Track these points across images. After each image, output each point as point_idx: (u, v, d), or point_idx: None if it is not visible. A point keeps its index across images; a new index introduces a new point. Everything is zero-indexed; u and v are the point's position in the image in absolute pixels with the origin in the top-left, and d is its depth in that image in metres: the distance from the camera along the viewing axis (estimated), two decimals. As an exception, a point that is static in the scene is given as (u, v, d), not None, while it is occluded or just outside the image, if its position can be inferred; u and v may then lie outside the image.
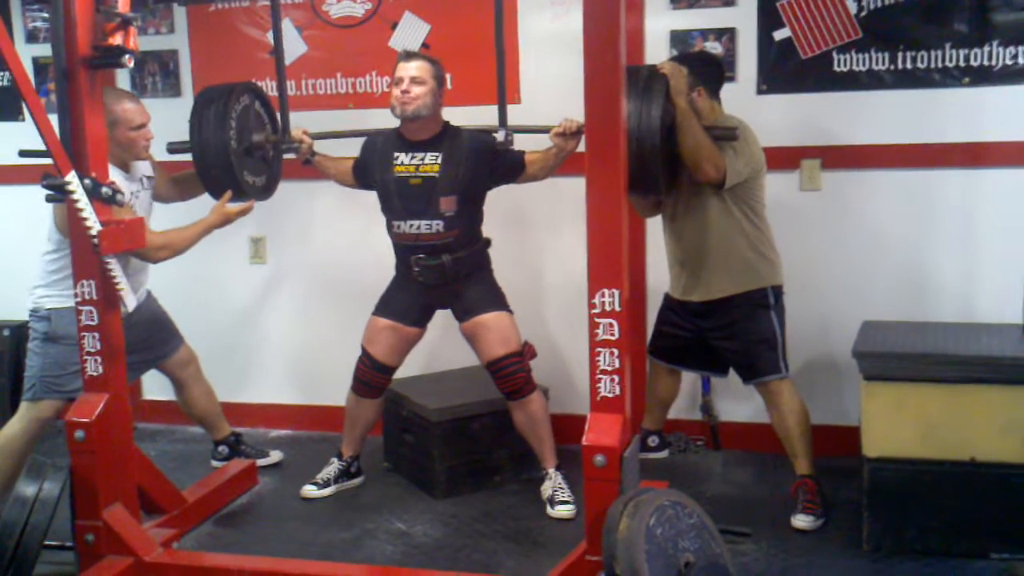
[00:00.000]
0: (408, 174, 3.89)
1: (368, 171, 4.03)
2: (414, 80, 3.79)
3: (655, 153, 3.29)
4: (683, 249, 3.89)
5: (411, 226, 3.89)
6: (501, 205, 4.11)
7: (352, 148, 4.10)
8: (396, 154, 3.92)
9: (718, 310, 3.84)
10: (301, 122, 4.05)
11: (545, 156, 3.82)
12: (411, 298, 4.04)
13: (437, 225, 3.86)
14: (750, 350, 3.81)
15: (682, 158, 3.57)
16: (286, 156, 4.02)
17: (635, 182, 3.11)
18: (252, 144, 3.90)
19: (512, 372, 3.89)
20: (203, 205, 3.86)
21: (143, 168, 3.87)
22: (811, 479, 3.75)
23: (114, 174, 3.39)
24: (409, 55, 3.89)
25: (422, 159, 3.88)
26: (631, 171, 3.01)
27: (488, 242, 4.06)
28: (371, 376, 4.08)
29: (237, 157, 3.79)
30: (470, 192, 3.90)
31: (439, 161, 3.86)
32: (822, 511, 3.71)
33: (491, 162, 3.88)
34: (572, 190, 3.78)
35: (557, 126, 3.71)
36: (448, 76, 4.10)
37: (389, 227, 3.99)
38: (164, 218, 3.93)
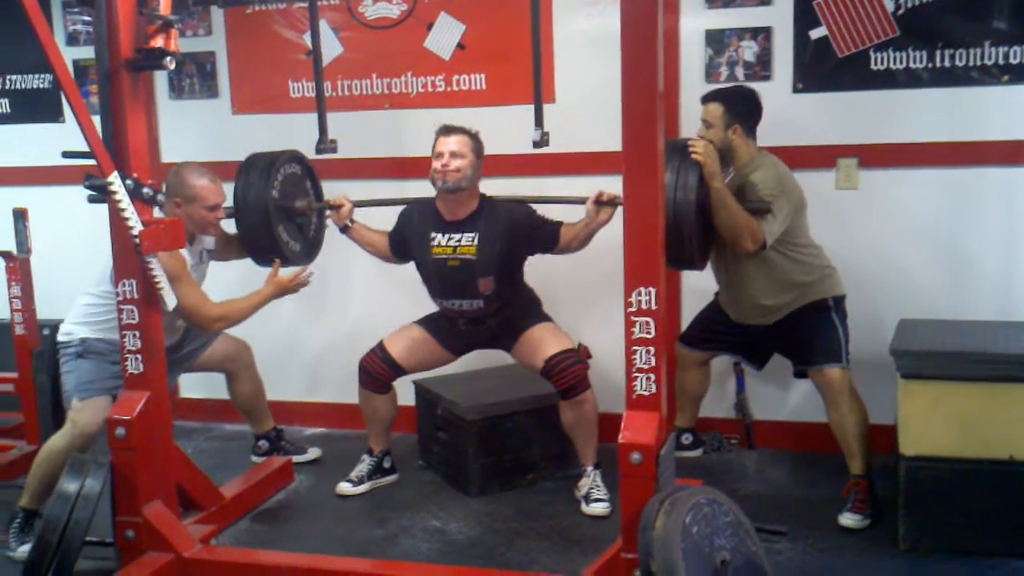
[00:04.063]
0: (446, 256, 3.92)
1: (404, 244, 4.08)
2: (454, 154, 3.80)
3: (692, 226, 3.33)
4: (729, 283, 3.92)
5: (452, 304, 3.97)
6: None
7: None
8: (433, 234, 3.95)
9: (777, 324, 3.85)
10: (337, 123, 4.07)
11: (577, 229, 3.84)
12: (457, 333, 4.09)
13: (477, 304, 3.93)
14: (810, 340, 3.80)
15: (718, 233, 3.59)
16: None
17: (672, 256, 3.12)
18: (294, 208, 4.01)
19: (568, 366, 3.84)
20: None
21: (206, 242, 3.92)
22: (864, 479, 3.73)
23: None
24: (449, 129, 3.89)
25: (459, 240, 3.90)
26: (668, 246, 3.03)
27: (531, 291, 4.13)
28: (378, 368, 4.07)
29: (276, 210, 3.89)
30: (508, 268, 3.94)
31: (475, 242, 3.88)
32: (870, 511, 3.68)
33: (528, 235, 3.92)
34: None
35: (592, 195, 3.71)
36: (483, 76, 4.11)
37: (431, 297, 4.06)
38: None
